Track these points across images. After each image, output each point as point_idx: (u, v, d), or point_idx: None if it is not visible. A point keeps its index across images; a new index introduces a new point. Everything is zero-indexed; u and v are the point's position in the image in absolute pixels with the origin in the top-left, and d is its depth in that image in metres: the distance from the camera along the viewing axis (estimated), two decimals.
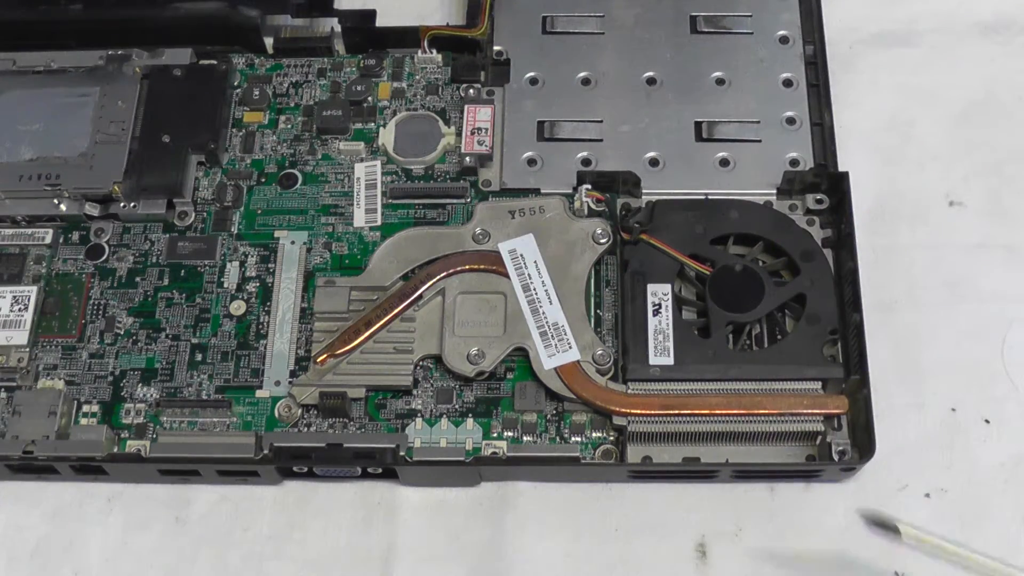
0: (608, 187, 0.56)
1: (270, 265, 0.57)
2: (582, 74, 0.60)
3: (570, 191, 0.57)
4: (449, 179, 0.58)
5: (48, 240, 0.57)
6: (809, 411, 0.50)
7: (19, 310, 0.55)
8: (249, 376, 0.54)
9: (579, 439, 0.52)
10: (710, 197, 0.56)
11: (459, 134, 0.59)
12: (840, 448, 0.51)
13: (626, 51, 0.61)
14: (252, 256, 0.57)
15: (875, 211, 0.58)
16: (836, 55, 0.61)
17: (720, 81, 0.59)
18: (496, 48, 0.61)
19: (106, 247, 0.57)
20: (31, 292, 0.56)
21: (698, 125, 0.58)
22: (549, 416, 0.52)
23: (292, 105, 0.61)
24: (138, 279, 0.57)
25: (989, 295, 0.56)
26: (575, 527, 0.51)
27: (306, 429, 0.53)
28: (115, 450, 0.52)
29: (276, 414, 0.53)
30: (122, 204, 0.58)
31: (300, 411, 0.53)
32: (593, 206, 0.56)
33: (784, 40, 0.60)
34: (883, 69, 0.62)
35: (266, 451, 0.51)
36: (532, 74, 0.60)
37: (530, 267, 0.54)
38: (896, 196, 0.58)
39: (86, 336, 0.55)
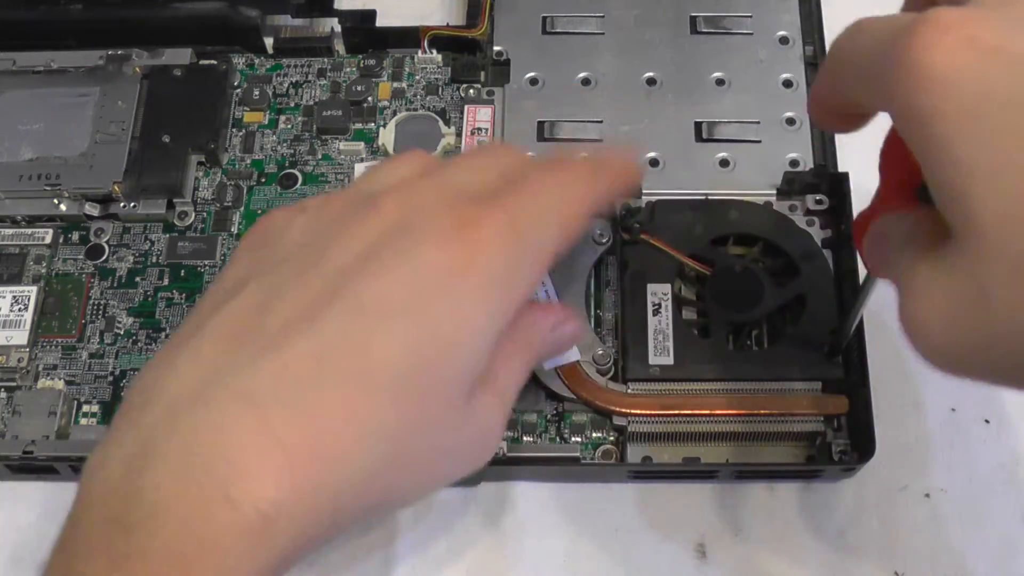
0: None
1: None
2: (582, 74, 0.60)
3: None
4: None
5: (48, 240, 0.57)
6: (809, 411, 0.50)
7: (19, 310, 0.55)
8: None
9: (579, 439, 0.52)
10: (710, 197, 0.56)
11: (459, 134, 0.59)
12: (840, 448, 0.51)
13: (626, 51, 0.61)
14: None
15: None
16: None
17: (720, 81, 0.59)
18: (496, 48, 0.61)
19: (106, 247, 0.57)
20: (31, 292, 0.56)
21: (698, 125, 0.58)
22: (549, 416, 0.52)
23: (292, 105, 0.61)
24: (138, 279, 0.57)
25: None
26: (575, 527, 0.51)
27: None
28: None
29: None
30: (122, 204, 0.58)
31: None
32: None
33: (784, 40, 0.60)
34: None
35: None
36: (532, 74, 0.60)
37: None
38: None
39: (86, 336, 0.55)
